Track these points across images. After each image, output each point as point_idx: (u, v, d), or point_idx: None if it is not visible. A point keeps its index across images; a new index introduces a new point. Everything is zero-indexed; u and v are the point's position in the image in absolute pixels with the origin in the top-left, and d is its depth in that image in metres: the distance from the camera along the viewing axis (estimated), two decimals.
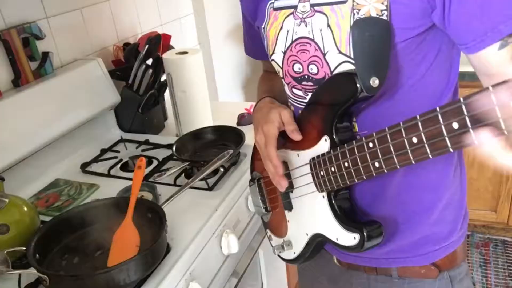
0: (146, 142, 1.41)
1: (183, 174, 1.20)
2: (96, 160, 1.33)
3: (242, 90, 2.36)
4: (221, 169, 1.19)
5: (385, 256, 0.77)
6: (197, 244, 0.96)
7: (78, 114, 1.30)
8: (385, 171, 0.56)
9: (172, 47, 1.66)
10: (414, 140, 0.50)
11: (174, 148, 1.25)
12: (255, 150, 0.89)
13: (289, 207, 0.80)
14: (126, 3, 1.61)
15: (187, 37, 1.97)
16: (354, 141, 0.61)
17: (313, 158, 0.70)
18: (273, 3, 0.74)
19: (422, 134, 0.49)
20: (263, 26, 0.78)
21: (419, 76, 0.67)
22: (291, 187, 0.78)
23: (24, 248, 0.84)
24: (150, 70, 1.44)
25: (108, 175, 1.24)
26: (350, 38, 0.65)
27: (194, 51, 1.41)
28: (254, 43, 0.89)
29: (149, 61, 1.49)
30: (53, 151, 1.27)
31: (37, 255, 0.83)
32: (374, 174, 0.59)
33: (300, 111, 0.77)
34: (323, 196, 0.71)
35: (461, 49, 0.63)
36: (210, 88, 1.59)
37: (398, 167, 0.54)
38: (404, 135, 0.52)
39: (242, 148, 1.23)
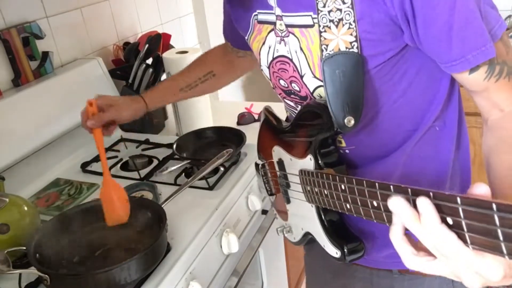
0: (146, 141, 1.41)
1: (183, 173, 1.20)
2: (96, 159, 1.32)
3: (242, 90, 2.36)
4: (221, 169, 1.19)
5: (384, 259, 0.78)
6: (197, 243, 0.96)
7: (78, 114, 1.29)
8: (354, 215, 0.56)
9: (172, 47, 1.66)
10: (375, 203, 0.50)
11: (174, 147, 1.25)
12: (260, 135, 0.89)
13: (287, 201, 0.81)
14: (126, 2, 1.60)
15: (187, 36, 1.97)
16: (330, 177, 0.60)
17: (301, 172, 0.71)
18: (257, 15, 0.73)
19: (380, 203, 0.49)
20: (247, 37, 0.78)
21: (400, 92, 0.65)
22: (288, 186, 0.79)
23: (25, 248, 0.84)
24: (150, 70, 1.44)
25: None
26: (322, 73, 0.63)
27: (194, 50, 1.41)
28: (233, 31, 0.88)
29: (149, 61, 1.49)
30: (53, 150, 1.27)
31: (37, 254, 0.82)
32: (346, 213, 0.59)
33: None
34: (312, 205, 0.71)
35: None
36: None
37: (364, 218, 0.54)
38: (367, 196, 0.51)
39: (243, 147, 1.23)
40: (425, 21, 0.55)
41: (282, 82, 0.74)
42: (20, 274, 0.86)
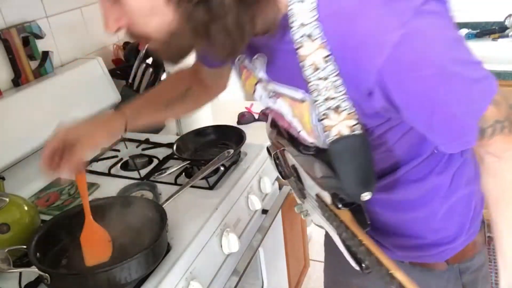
0: (147, 141, 1.41)
1: (183, 173, 1.20)
2: (96, 159, 1.33)
3: (243, 89, 2.36)
4: (222, 168, 1.19)
5: (395, 256, 0.79)
6: (198, 243, 0.96)
7: (78, 113, 1.30)
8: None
9: None
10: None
11: (174, 147, 1.24)
12: (271, 124, 0.85)
13: (303, 196, 0.80)
14: None
15: None
16: (343, 227, 0.63)
17: (319, 198, 0.70)
18: (240, 59, 0.73)
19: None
20: (239, 77, 0.77)
21: (395, 140, 0.67)
22: (303, 191, 0.78)
23: (25, 247, 0.84)
24: (150, 69, 1.44)
25: (109, 174, 1.24)
26: (330, 155, 0.62)
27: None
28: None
29: (149, 60, 1.49)
30: None
31: (37, 253, 0.82)
32: None
33: None
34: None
35: None
36: None
37: None
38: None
39: (243, 147, 1.23)
40: (409, 119, 0.59)
41: (280, 123, 0.75)
42: (20, 273, 0.86)
